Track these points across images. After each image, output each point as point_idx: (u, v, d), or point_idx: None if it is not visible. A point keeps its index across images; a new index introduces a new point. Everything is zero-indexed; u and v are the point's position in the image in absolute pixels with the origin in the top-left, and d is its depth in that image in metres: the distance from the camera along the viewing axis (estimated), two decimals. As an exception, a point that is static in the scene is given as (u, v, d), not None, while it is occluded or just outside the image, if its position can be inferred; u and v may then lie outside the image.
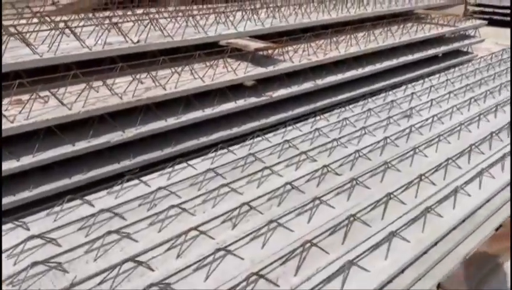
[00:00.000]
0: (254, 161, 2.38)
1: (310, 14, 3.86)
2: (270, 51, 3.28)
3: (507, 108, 3.13)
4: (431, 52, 4.46)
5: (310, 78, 3.50)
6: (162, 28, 2.90)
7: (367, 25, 4.15)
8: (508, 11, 8.47)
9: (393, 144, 2.59)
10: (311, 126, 2.88)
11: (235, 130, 3.05)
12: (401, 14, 4.53)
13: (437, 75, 3.92)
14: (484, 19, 8.88)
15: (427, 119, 2.88)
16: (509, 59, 4.39)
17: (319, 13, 3.89)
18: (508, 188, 2.23)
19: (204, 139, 2.89)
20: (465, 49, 5.23)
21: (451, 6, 5.30)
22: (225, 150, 2.48)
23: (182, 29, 3.10)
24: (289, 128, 2.84)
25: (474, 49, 6.43)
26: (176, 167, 2.27)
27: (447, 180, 2.20)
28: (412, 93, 3.34)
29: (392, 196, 2.00)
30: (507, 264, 1.76)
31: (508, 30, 8.33)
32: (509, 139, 2.67)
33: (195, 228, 1.70)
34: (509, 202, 2.19)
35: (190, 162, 2.31)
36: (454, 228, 1.97)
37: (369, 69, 3.90)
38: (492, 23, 8.69)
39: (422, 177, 2.14)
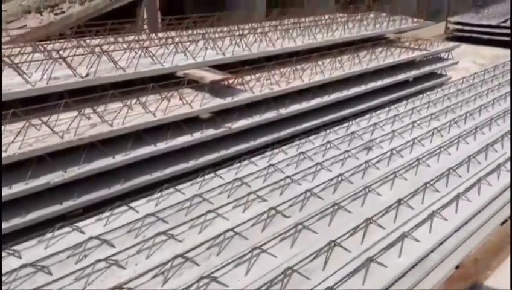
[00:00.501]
0: (201, 202, 2.31)
1: (275, 42, 3.83)
2: (230, 81, 3.23)
3: (470, 139, 3.10)
4: (401, 77, 4.45)
5: (272, 107, 3.45)
6: (113, 60, 2.83)
7: (334, 52, 4.13)
8: (486, 29, 8.56)
9: (348, 180, 2.53)
10: (268, 160, 2.82)
11: (192, 163, 2.97)
12: (371, 39, 4.52)
13: (404, 102, 3.90)
14: (463, 37, 9.01)
15: (386, 153, 2.83)
16: (479, 84, 4.40)
17: (284, 41, 3.86)
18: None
19: (158, 174, 2.81)
20: (439, 72, 5.24)
21: (424, 27, 5.30)
22: (172, 189, 2.41)
23: (139, 59, 3.04)
24: (244, 162, 2.77)
25: (452, 68, 6.47)
26: (116, 210, 2.19)
27: (397, 223, 2.15)
28: (375, 124, 3.30)
29: (335, 243, 1.93)
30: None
31: (485, 48, 8.43)
32: (468, 174, 2.63)
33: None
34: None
35: (132, 204, 2.23)
36: (401, 276, 1.91)
37: (335, 96, 3.87)
38: (471, 41, 8.80)
39: (371, 220, 2.08)
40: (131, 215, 2.16)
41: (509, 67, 4.93)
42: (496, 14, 9.24)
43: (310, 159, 2.82)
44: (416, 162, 2.68)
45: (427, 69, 4.75)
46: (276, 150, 2.95)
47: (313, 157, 2.85)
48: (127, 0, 5.34)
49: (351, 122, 3.41)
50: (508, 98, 3.88)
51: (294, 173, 2.61)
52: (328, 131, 3.28)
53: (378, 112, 3.68)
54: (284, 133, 3.52)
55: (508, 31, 8.30)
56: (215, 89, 3.18)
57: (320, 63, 3.96)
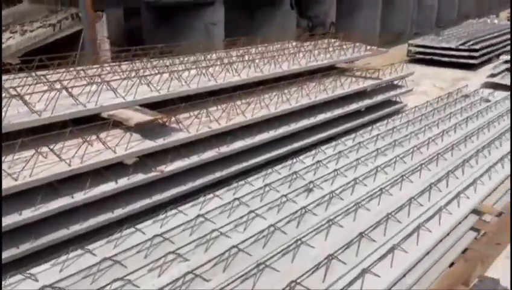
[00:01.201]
0: (113, 265, 2.09)
1: (218, 76, 3.68)
2: (165, 119, 3.04)
3: (415, 177, 2.99)
4: (352, 107, 4.37)
5: (213, 145, 3.27)
6: (26, 103, 2.61)
7: (282, 84, 4.02)
8: (447, 52, 8.72)
9: (281, 231, 2.36)
10: (200, 208, 2.63)
11: (119, 213, 2.74)
12: (321, 69, 4.44)
13: (353, 134, 3.80)
14: (425, 59, 9.16)
15: (324, 197, 2.68)
16: (431, 113, 4.36)
17: (226, 74, 3.71)
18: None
19: (76, 228, 2.57)
20: (394, 99, 5.21)
21: (377, 54, 5.28)
22: (80, 251, 2.18)
23: (59, 100, 2.82)
24: (171, 212, 2.57)
25: (410, 93, 6.48)
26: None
27: (327, 282, 1.98)
28: (318, 161, 3.17)
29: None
30: None
31: (446, 70, 8.58)
32: (408, 219, 2.51)
33: None
34: None
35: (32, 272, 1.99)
36: None
37: (283, 130, 3.73)
38: (432, 63, 8.95)
39: (296, 282, 1.90)
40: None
41: (462, 94, 4.94)
42: (454, 36, 9.45)
43: (246, 205, 2.65)
44: (354, 207, 2.54)
45: (379, 98, 4.69)
46: (211, 195, 2.77)
47: (250, 203, 2.68)
48: (70, 31, 5.13)
49: (294, 160, 3.27)
50: (458, 130, 3.83)
51: (224, 224, 2.42)
52: (270, 170, 3.13)
53: (325, 147, 3.56)
54: (226, 172, 3.35)
55: (466, 54, 8.48)
56: (145, 129, 2.99)
57: (267, 96, 3.83)
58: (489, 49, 8.99)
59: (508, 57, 7.43)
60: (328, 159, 3.28)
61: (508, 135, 3.69)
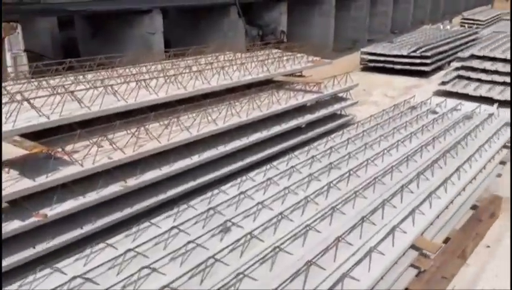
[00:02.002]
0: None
1: (129, 95, 3.23)
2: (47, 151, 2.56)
3: (348, 207, 2.65)
4: (292, 124, 4.03)
5: (118, 177, 2.82)
6: None
7: (209, 101, 3.63)
8: (399, 60, 8.62)
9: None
10: (126, 243, 2.17)
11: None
12: (256, 83, 4.09)
13: (287, 157, 3.44)
14: (377, 67, 9.04)
15: (239, 240, 2.28)
16: (374, 129, 4.07)
17: (139, 92, 3.27)
18: None
19: None
20: (340, 112, 4.93)
21: (321, 65, 5.00)
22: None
23: None
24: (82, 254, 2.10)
25: (360, 103, 6.25)
26: None
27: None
28: (241, 193, 2.77)
29: None
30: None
31: (398, 78, 8.47)
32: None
33: None
34: None
35: None
36: None
37: (208, 155, 3.33)
38: (385, 71, 8.84)
39: None
40: None
41: (409, 106, 4.71)
42: (407, 43, 9.40)
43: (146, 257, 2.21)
44: (272, 252, 2.16)
45: (322, 112, 4.38)
46: (136, 228, 2.33)
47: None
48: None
49: (215, 191, 2.86)
50: (400, 147, 3.54)
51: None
52: (185, 206, 2.70)
53: (254, 173, 3.17)
54: (139, 206, 2.90)
55: (418, 61, 8.41)
56: (28, 162, 2.50)
57: (191, 115, 3.43)
58: (441, 56, 8.98)
59: (458, 64, 7.37)
60: (256, 188, 2.89)
61: (453, 152, 3.44)
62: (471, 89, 6.87)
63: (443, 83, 7.21)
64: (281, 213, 2.49)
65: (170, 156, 3.13)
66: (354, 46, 11.77)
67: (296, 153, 3.52)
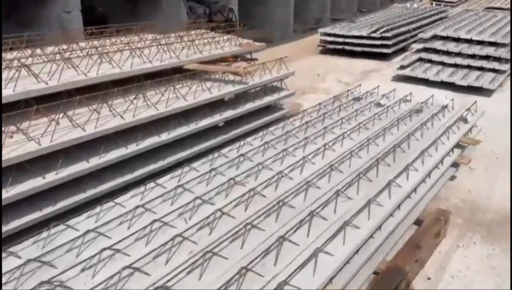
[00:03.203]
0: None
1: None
2: None
3: (270, 220, 2.04)
4: (206, 122, 3.38)
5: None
6: None
7: (99, 94, 2.94)
8: (359, 41, 8.02)
9: None
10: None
11: None
12: (157, 73, 3.40)
13: (204, 159, 2.82)
14: (336, 49, 8.42)
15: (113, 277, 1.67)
16: (303, 129, 3.47)
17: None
18: None
19: None
20: (274, 104, 4.31)
21: (254, 50, 4.35)
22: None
23: None
24: None
25: (312, 90, 5.66)
26: None
27: None
28: (139, 206, 2.12)
29: None
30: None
31: (357, 62, 7.88)
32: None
33: None
34: None
35: None
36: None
37: (107, 158, 2.67)
38: (345, 53, 8.22)
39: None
40: None
41: (353, 97, 4.13)
42: (369, 23, 8.81)
43: None
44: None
45: (247, 107, 3.75)
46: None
47: None
48: None
49: (100, 208, 2.22)
50: (326, 152, 2.94)
51: None
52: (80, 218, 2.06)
53: (162, 180, 2.55)
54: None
55: (378, 42, 7.84)
56: None
57: (84, 110, 2.75)
58: (403, 37, 8.43)
59: (420, 46, 6.83)
60: (155, 205, 2.24)
61: (389, 159, 2.87)
62: (432, 73, 6.35)
63: (402, 67, 6.67)
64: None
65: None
66: (318, 26, 11.11)
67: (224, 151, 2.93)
